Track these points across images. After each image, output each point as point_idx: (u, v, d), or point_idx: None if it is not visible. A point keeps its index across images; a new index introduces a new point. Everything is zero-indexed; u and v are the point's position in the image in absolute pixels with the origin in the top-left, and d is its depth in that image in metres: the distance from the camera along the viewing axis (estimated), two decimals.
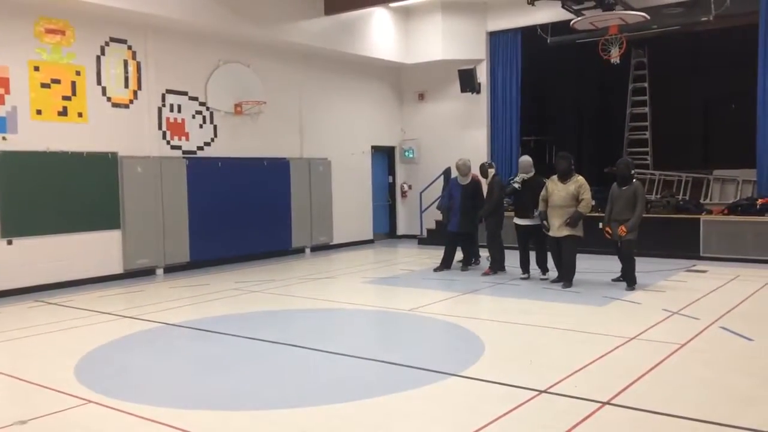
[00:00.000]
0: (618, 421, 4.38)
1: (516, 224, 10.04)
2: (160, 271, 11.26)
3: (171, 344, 6.83)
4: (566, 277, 9.19)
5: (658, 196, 14.42)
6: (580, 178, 9.12)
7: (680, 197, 13.87)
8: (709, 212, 12.39)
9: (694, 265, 11.07)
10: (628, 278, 9.03)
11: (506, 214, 10.60)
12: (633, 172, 9.04)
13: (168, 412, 4.68)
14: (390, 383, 5.24)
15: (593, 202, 9.37)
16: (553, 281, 9.47)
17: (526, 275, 9.96)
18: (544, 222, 9.19)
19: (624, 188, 8.91)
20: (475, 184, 10.85)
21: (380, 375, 5.50)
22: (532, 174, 9.88)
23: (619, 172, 9.06)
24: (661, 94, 16.15)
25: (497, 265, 10.45)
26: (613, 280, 9.54)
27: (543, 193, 9.26)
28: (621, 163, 9.21)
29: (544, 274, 9.91)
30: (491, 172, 10.72)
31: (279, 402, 4.78)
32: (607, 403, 4.66)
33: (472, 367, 5.62)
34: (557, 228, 9.03)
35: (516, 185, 9.92)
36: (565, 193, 8.99)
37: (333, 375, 5.46)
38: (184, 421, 4.47)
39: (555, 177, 9.22)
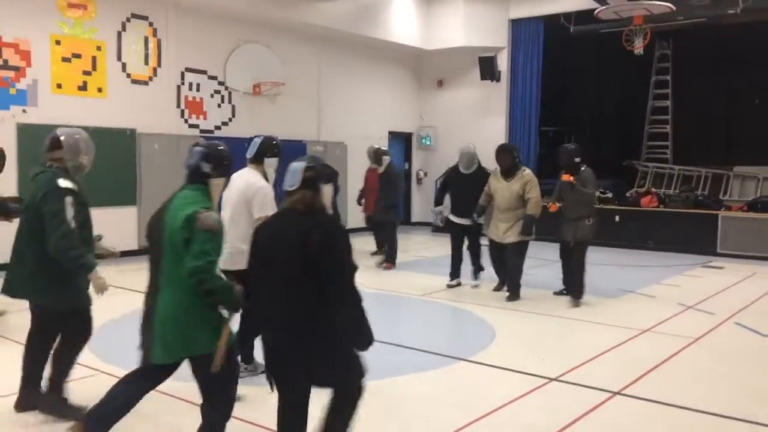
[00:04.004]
0: (628, 411, 4.35)
1: (452, 222, 8.41)
2: None
3: None
4: (513, 289, 7.76)
5: (677, 190, 14.27)
6: (527, 173, 7.63)
7: (699, 192, 13.71)
8: (728, 208, 12.24)
9: (710, 261, 10.96)
10: (576, 288, 7.51)
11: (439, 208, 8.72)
12: (578, 159, 7.44)
13: (177, 383, 4.70)
14: (401, 366, 5.23)
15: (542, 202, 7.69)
16: (495, 289, 8.15)
17: (455, 282, 8.46)
18: (475, 216, 7.87)
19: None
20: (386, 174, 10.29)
21: (391, 358, 5.49)
22: (475, 168, 8.20)
23: (561, 162, 7.53)
24: (684, 88, 15.91)
25: (394, 257, 9.96)
26: (556, 293, 7.98)
27: (486, 187, 7.85)
28: (562, 151, 7.57)
29: (476, 277, 8.45)
30: (386, 159, 10.13)
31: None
32: (618, 393, 4.63)
33: (483, 352, 5.62)
34: (503, 233, 7.64)
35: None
36: (509, 193, 7.54)
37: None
38: (192, 392, 4.49)
39: (498, 171, 7.80)
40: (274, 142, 4.76)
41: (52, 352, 4.17)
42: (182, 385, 4.68)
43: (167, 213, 3.30)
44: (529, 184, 7.50)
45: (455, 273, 8.49)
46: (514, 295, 7.73)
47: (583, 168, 7.43)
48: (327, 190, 3.19)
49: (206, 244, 3.14)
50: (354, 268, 3.05)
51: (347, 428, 3.24)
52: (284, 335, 3.05)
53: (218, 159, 3.45)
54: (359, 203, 11.42)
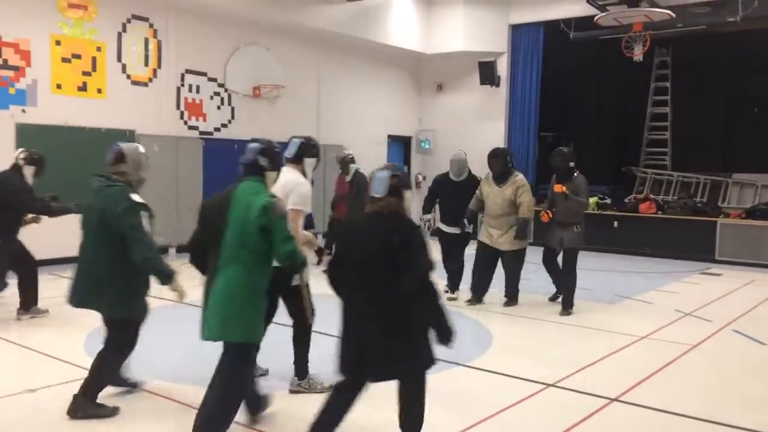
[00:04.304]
0: (625, 418, 4.35)
1: (441, 231, 8.13)
2: (172, 251, 11.29)
3: (181, 322, 6.83)
4: (511, 295, 7.71)
5: (676, 197, 14.29)
6: (519, 178, 7.49)
7: (697, 199, 13.73)
8: (727, 215, 12.26)
9: (708, 268, 10.96)
10: (567, 298, 7.43)
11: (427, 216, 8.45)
12: (573, 164, 7.37)
13: (176, 387, 4.71)
14: None
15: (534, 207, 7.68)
16: (469, 301, 7.75)
17: (455, 295, 8.00)
18: (465, 222, 7.66)
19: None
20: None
21: None
22: (465, 175, 8.02)
23: (554, 165, 7.49)
24: (683, 95, 15.95)
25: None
26: (551, 299, 7.92)
27: (477, 192, 7.66)
28: (557, 154, 7.51)
29: (453, 291, 8.05)
30: (353, 167, 9.85)
31: (288, 384, 4.77)
32: (616, 399, 4.63)
33: (480, 358, 5.61)
34: (495, 239, 7.48)
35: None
36: (501, 199, 7.40)
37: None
38: (191, 397, 4.48)
39: (490, 176, 7.63)
40: (313, 143, 4.88)
41: (96, 358, 4.27)
42: (171, 386, 4.69)
43: (235, 202, 3.64)
44: (521, 189, 7.38)
45: (453, 286, 8.13)
46: (512, 300, 7.69)
47: (576, 174, 7.36)
48: (408, 195, 3.54)
49: (286, 229, 3.59)
50: (431, 265, 3.30)
51: (423, 418, 3.51)
52: (366, 330, 3.35)
53: (272, 154, 3.87)
54: (332, 208, 11.07)
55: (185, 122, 11.61)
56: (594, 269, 9.48)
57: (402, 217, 3.45)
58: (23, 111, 9.49)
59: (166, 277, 4.06)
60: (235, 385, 3.64)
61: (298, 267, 3.73)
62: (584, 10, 12.81)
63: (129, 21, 10.71)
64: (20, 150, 6.69)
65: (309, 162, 4.79)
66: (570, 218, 7.32)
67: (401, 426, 3.55)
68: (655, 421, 4.31)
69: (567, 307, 7.38)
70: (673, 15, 11.49)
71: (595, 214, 13.02)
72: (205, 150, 11.72)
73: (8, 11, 9.34)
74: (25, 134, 9.32)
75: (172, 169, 11.17)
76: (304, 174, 4.77)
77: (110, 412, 4.16)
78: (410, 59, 16.00)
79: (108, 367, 4.26)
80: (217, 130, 12.10)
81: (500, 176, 7.48)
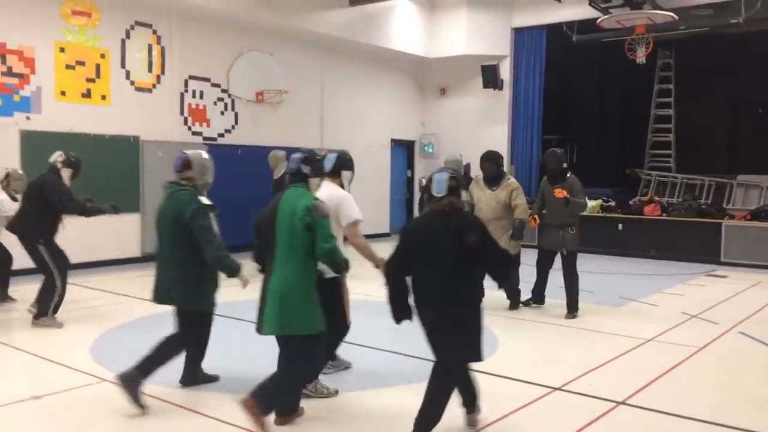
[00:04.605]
0: (632, 421, 4.33)
1: None
2: None
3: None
4: (514, 299, 7.67)
5: (680, 199, 14.26)
6: (512, 180, 7.48)
7: (702, 201, 13.70)
8: (732, 217, 12.22)
9: (714, 270, 10.92)
10: (573, 301, 7.35)
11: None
12: (566, 165, 7.40)
13: (180, 392, 4.71)
14: (402, 374, 5.22)
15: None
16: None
17: None
18: None
19: (557, 186, 7.26)
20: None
21: (393, 366, 5.48)
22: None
23: (549, 167, 7.44)
24: (687, 97, 15.94)
25: None
26: (524, 303, 7.75)
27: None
28: (551, 155, 7.46)
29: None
30: (283, 165, 9.63)
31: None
32: (622, 403, 4.61)
33: (486, 361, 5.57)
34: None
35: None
36: (495, 203, 7.32)
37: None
38: (195, 402, 4.48)
39: (480, 179, 7.58)
40: (348, 157, 5.03)
41: (163, 341, 4.55)
42: (171, 391, 4.69)
43: (282, 206, 3.99)
44: (515, 192, 7.33)
45: None
46: (515, 304, 7.66)
47: (569, 175, 7.33)
48: (464, 193, 4.02)
49: (328, 228, 3.94)
50: (506, 250, 3.98)
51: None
52: (439, 312, 3.82)
53: (314, 162, 4.22)
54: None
55: (189, 128, 11.64)
56: (599, 272, 9.44)
57: (464, 213, 4.01)
58: (28, 118, 9.52)
59: (234, 271, 4.45)
60: (302, 374, 4.03)
61: (339, 265, 4.00)
62: (587, 12, 12.82)
63: (132, 27, 10.76)
64: (58, 153, 6.92)
65: (346, 175, 4.95)
66: (567, 220, 7.29)
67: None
68: (662, 424, 4.29)
69: (572, 310, 7.34)
70: (676, 17, 11.50)
71: (600, 216, 13.01)
72: (209, 156, 11.69)
73: (12, 19, 9.39)
74: (30, 141, 9.36)
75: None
76: (342, 186, 4.89)
77: (142, 405, 4.27)
78: (413, 63, 16.02)
79: (169, 354, 4.52)
80: (221, 135, 12.13)
81: (493, 179, 7.43)
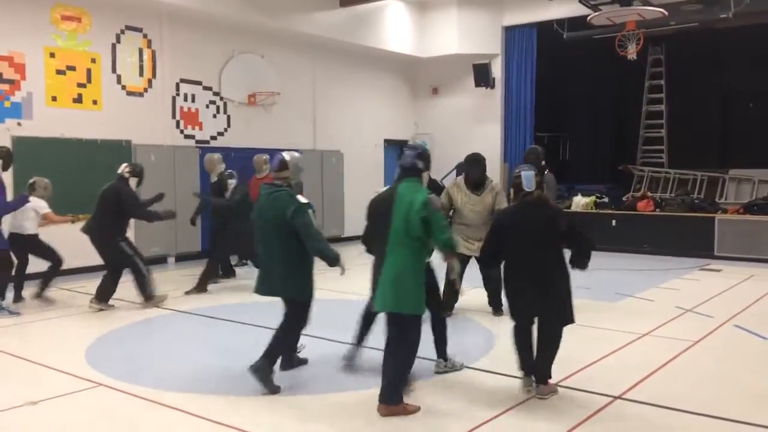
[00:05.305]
0: (629, 415, 4.34)
1: None
2: (171, 260, 11.29)
3: (180, 330, 6.85)
4: (498, 304, 7.18)
5: (673, 194, 14.30)
6: (495, 183, 7.12)
7: (695, 196, 13.75)
8: (725, 211, 12.27)
9: (708, 264, 10.96)
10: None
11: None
12: (544, 162, 7.29)
13: (176, 396, 4.69)
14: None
15: None
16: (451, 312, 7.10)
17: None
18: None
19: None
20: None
21: None
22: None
23: (530, 162, 6.85)
24: (678, 92, 15.98)
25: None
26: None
27: (445, 201, 6.99)
28: (531, 152, 7.49)
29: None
30: (220, 167, 9.25)
31: (285, 389, 4.76)
32: (619, 397, 4.62)
33: (483, 359, 5.60)
34: (477, 248, 6.50)
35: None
36: (481, 207, 6.91)
37: (342, 364, 5.43)
38: (191, 405, 4.47)
39: (461, 183, 7.11)
40: (428, 155, 5.04)
41: (278, 331, 4.92)
42: (163, 393, 4.68)
43: (400, 198, 4.36)
44: (500, 195, 6.98)
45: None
46: (498, 311, 7.18)
47: (546, 172, 7.24)
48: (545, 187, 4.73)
49: (443, 219, 4.51)
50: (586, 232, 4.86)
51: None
52: (539, 286, 4.58)
53: (427, 157, 4.63)
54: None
55: (181, 131, 11.62)
56: (593, 268, 9.39)
57: (551, 204, 4.98)
58: (19, 124, 9.48)
59: (335, 260, 4.78)
60: (410, 350, 4.40)
61: (454, 251, 4.60)
62: (577, 10, 12.85)
63: (123, 32, 10.73)
64: (125, 164, 7.75)
65: (424, 174, 4.98)
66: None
67: (538, 360, 4.71)
68: (659, 417, 4.30)
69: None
70: (666, 13, 11.53)
71: (594, 212, 13.04)
72: (202, 159, 11.69)
73: (1, 25, 9.36)
74: (22, 147, 9.31)
75: (168, 179, 11.16)
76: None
77: (275, 389, 4.69)
78: (405, 63, 16.03)
79: (287, 339, 4.96)
80: (214, 138, 12.11)
81: (478, 183, 6.99)
